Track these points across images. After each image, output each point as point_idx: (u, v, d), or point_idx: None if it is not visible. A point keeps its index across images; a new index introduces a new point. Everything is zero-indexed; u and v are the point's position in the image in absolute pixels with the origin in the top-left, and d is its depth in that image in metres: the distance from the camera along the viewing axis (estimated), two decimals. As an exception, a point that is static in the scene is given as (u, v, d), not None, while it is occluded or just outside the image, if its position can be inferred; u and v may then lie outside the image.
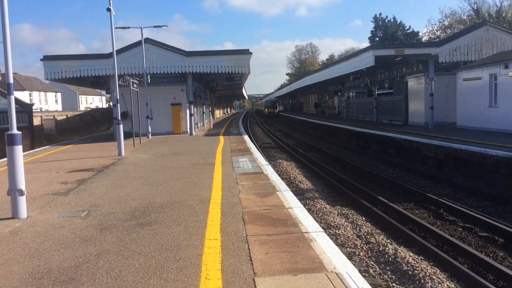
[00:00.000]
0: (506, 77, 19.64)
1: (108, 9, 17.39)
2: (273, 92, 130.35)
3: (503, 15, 50.70)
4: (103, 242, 6.13)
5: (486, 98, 21.33)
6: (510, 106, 19.39)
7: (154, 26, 27.79)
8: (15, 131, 7.39)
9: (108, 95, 58.88)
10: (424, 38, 65.40)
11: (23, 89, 64.38)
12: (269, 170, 12.22)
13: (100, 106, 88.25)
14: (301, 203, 8.45)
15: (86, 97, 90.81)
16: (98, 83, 28.92)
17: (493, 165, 14.35)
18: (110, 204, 8.49)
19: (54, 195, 9.61)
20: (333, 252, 5.43)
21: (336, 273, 4.79)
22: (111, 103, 47.99)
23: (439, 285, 6.86)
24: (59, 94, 78.75)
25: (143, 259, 5.40)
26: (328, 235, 8.80)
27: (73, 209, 8.16)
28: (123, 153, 17.08)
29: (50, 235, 6.56)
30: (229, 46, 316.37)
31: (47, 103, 73.06)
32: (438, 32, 59.63)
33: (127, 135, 22.35)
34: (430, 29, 63.72)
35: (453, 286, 6.94)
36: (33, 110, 39.95)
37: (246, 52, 26.15)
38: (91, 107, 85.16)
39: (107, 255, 5.57)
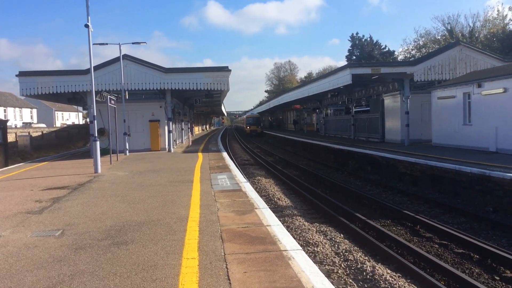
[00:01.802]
0: (479, 96, 20.14)
1: (86, 26, 17.28)
2: (252, 109, 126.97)
3: (476, 35, 52.25)
4: (78, 262, 5.99)
5: (460, 116, 21.80)
6: (484, 124, 19.85)
7: (132, 43, 27.79)
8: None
9: (85, 111, 58.26)
10: (400, 57, 66.88)
11: (-3, 105, 63.17)
12: (247, 187, 12.19)
13: (76, 123, 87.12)
14: (280, 221, 8.44)
15: (62, 113, 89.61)
16: (75, 99, 28.60)
17: (468, 182, 14.61)
18: (85, 223, 8.33)
19: (27, 213, 9.39)
20: (311, 271, 5.42)
21: (314, 291, 4.77)
22: (87, 120, 47.42)
23: (417, 302, 6.89)
24: (34, 110, 77.59)
25: (119, 279, 5.29)
26: (306, 252, 8.80)
27: (47, 228, 7.98)
28: (99, 170, 16.83)
29: (23, 255, 6.39)
30: (209, 63, 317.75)
31: (22, 119, 71.78)
32: (413, 51, 61.06)
33: (104, 152, 22.06)
34: (406, 48, 65.26)
35: (430, 303, 6.99)
36: (27, 126, 38.97)
37: (225, 69, 26.26)
38: (68, 123, 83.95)
39: (82, 276, 5.44)
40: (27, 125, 60.10)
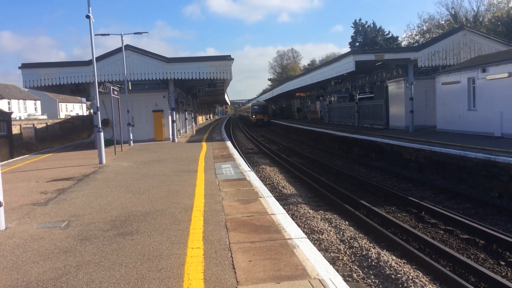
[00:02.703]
0: (484, 81, 19.99)
1: (88, 16, 17.20)
2: (255, 98, 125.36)
3: (480, 20, 51.72)
4: (83, 253, 6.02)
5: (464, 101, 21.66)
6: (488, 109, 19.73)
7: (134, 33, 27.62)
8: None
9: (88, 103, 58.20)
10: (403, 43, 66.32)
11: (1, 98, 63.31)
12: (252, 176, 12.20)
13: (80, 114, 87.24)
14: (284, 209, 8.45)
15: (66, 105, 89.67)
16: (78, 90, 28.55)
17: (473, 167, 14.56)
18: (91, 213, 8.37)
19: (33, 205, 9.44)
20: (316, 259, 5.42)
21: (319, 279, 4.78)
22: (91, 111, 47.49)
23: (422, 288, 6.90)
24: (38, 102, 77.64)
25: (124, 269, 5.32)
26: (311, 240, 8.82)
27: (52, 220, 8.02)
28: (104, 161, 16.87)
29: (29, 247, 6.42)
30: (211, 52, 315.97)
31: (26, 111, 71.94)
32: (417, 36, 60.56)
33: (108, 143, 22.10)
34: (409, 34, 64.73)
35: (435, 289, 7.00)
36: (32, 117, 39.08)
37: (228, 58, 26.14)
38: (72, 114, 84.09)
39: (87, 267, 5.47)
40: (29, 116, 60.19)
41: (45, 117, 60.76)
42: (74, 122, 56.68)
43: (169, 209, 8.39)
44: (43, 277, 5.19)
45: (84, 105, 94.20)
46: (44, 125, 46.40)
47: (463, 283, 6.97)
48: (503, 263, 8.23)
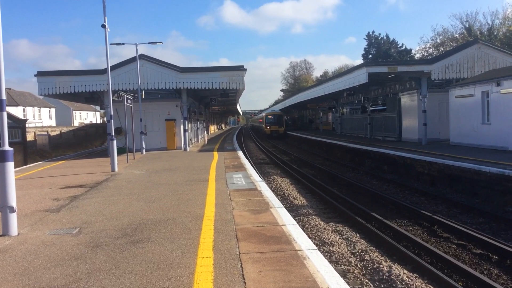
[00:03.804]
0: (498, 94, 19.81)
1: (103, 26, 17.44)
2: (268, 108, 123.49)
3: (495, 33, 51.43)
4: (94, 260, 6.05)
5: (478, 115, 21.48)
6: (503, 123, 19.52)
7: (149, 43, 28.02)
8: (6, 147, 7.34)
9: (102, 111, 58.84)
10: (417, 56, 66.12)
11: (16, 105, 64.21)
12: (263, 186, 12.18)
13: (94, 122, 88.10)
14: (295, 220, 8.41)
15: (80, 113, 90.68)
16: (92, 98, 28.88)
17: (486, 181, 14.39)
18: (102, 221, 8.41)
19: (45, 211, 9.51)
20: (327, 271, 5.38)
21: (329, 292, 4.74)
22: (105, 119, 47.95)
23: (434, 303, 6.80)
24: (53, 110, 78.63)
25: (134, 277, 5.32)
26: (322, 252, 8.75)
27: (64, 226, 8.07)
28: (116, 169, 16.99)
29: (41, 253, 6.47)
30: (224, 62, 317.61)
31: (41, 119, 72.85)
32: (431, 49, 60.36)
33: (121, 151, 22.27)
34: (423, 46, 64.52)
35: (447, 304, 6.89)
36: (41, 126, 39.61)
37: (241, 69, 26.26)
38: (85, 122, 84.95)
39: (98, 274, 5.49)
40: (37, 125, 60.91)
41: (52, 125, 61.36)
42: (88, 130, 57.26)
43: (180, 218, 8.40)
44: (54, 284, 5.21)
45: (97, 113, 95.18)
46: (58, 132, 46.92)
47: (476, 299, 6.86)
48: (517, 279, 8.08)
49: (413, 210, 13.18)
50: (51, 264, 5.96)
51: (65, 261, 6.04)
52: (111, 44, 25.34)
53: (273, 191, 14.29)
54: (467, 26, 55.09)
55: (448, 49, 48.26)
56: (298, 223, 8.19)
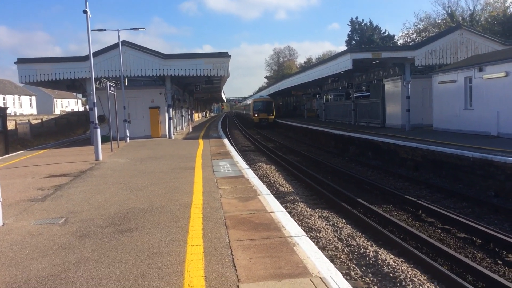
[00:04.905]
0: (481, 80, 20.05)
1: (85, 11, 17.11)
2: (251, 95, 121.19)
3: (476, 19, 51.88)
4: (82, 249, 6.00)
5: (461, 100, 21.73)
6: (485, 108, 19.80)
7: (131, 29, 27.65)
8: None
9: (84, 99, 57.98)
10: (400, 42, 66.43)
11: (-4, 93, 62.96)
12: (249, 173, 12.19)
13: (76, 110, 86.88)
14: (283, 207, 8.44)
15: (61, 100, 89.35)
16: (74, 86, 28.45)
17: (469, 166, 14.61)
18: (89, 210, 8.33)
19: (30, 201, 9.39)
20: (317, 257, 5.42)
21: (320, 277, 4.78)
22: (87, 107, 47.30)
23: (420, 287, 6.92)
24: (33, 98, 77.35)
25: (124, 266, 5.30)
26: (309, 238, 8.82)
27: (50, 216, 7.98)
28: (100, 157, 16.82)
29: (27, 243, 6.39)
30: (208, 48, 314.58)
31: (21, 107, 71.60)
32: (414, 35, 60.69)
33: (105, 139, 22.01)
34: (406, 32, 64.91)
35: (433, 287, 7.02)
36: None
37: (225, 55, 26.09)
38: (67, 110, 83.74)
39: (87, 263, 5.45)
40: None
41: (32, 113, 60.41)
42: (70, 118, 56.41)
43: (168, 206, 8.37)
44: (42, 274, 5.16)
45: (79, 101, 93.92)
46: (40, 121, 46.18)
47: (461, 282, 7.00)
48: (500, 262, 8.26)
49: (397, 196, 13.33)
50: (38, 254, 5.89)
51: (52, 251, 5.98)
52: (92, 30, 24.92)
53: (259, 178, 14.29)
54: (449, 11, 55.46)
55: (430, 35, 48.58)
56: (285, 209, 8.22)
